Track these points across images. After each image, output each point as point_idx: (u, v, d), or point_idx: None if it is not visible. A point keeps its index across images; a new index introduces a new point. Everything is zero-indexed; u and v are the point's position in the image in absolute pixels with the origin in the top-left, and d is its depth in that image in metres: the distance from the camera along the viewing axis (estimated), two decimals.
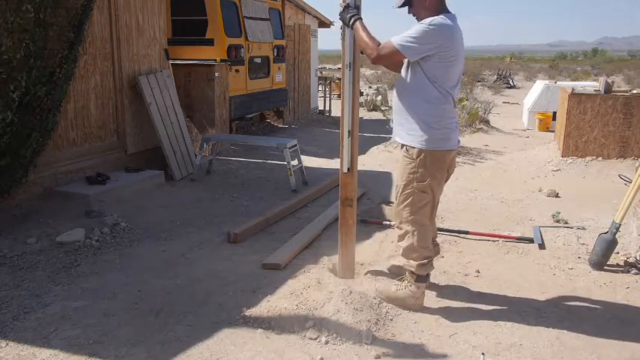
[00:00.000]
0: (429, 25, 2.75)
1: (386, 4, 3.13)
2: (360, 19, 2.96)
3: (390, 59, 2.94)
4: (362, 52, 3.08)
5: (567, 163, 6.97)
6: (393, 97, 3.12)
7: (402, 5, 2.94)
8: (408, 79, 2.93)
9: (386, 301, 3.08)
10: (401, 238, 3.09)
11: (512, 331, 2.87)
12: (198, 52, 7.95)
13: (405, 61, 2.98)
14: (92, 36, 5.15)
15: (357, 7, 3.03)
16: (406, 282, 3.07)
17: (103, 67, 5.41)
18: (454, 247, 4.09)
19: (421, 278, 3.04)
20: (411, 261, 3.03)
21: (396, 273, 3.34)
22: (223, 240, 4.17)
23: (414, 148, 2.92)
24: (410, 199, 2.97)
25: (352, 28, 2.98)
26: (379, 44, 2.86)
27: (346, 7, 3.02)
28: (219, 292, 3.25)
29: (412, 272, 3.03)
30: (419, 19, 2.88)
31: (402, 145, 3.01)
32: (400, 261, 3.17)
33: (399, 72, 3.07)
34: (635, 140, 6.85)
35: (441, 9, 2.85)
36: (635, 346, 2.76)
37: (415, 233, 3.00)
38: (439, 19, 2.78)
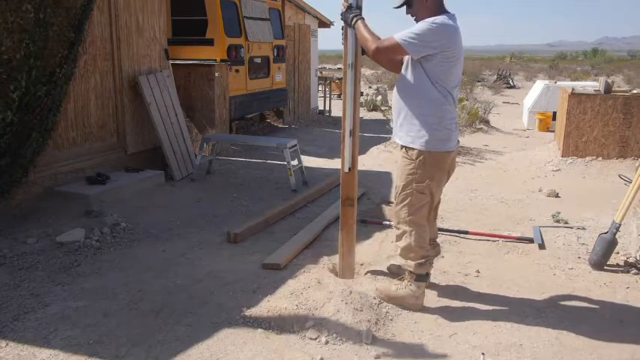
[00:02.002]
0: (432, 23, 2.74)
1: (386, 5, 3.13)
2: (362, 18, 2.96)
3: (390, 54, 2.93)
4: (363, 52, 3.07)
5: (567, 163, 6.98)
6: (393, 97, 3.11)
7: (401, 5, 2.94)
8: (409, 80, 2.92)
9: (386, 300, 3.08)
10: (399, 238, 3.09)
11: (512, 331, 2.87)
12: (198, 52, 7.96)
13: (406, 60, 2.97)
14: (92, 36, 5.15)
15: (359, 8, 3.03)
16: (406, 281, 3.07)
17: (103, 67, 5.41)
18: (454, 247, 4.09)
19: (421, 277, 3.05)
20: (409, 261, 3.04)
21: (395, 273, 3.34)
22: (223, 240, 4.17)
23: (413, 149, 2.91)
24: (408, 200, 2.97)
25: (354, 28, 2.98)
26: (379, 39, 2.85)
27: (349, 8, 3.02)
28: (219, 292, 3.25)
29: (411, 272, 3.03)
30: (418, 19, 2.87)
31: (402, 146, 3.00)
32: (399, 261, 3.18)
33: (398, 72, 3.06)
34: (635, 140, 6.85)
35: (442, 9, 2.85)
36: (635, 346, 2.76)
37: (412, 233, 3.00)
38: (442, 18, 2.77)
